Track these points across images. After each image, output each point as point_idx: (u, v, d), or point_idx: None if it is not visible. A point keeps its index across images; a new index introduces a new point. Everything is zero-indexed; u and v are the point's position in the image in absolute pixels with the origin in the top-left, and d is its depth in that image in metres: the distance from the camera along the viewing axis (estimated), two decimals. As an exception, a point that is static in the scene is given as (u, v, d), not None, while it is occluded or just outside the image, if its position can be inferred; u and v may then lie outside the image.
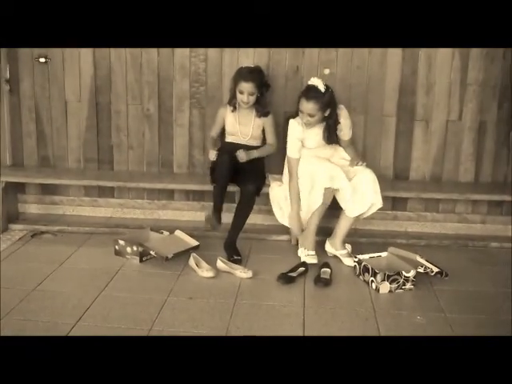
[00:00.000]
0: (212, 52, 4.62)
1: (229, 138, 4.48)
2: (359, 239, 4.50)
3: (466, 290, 3.77)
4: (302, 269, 3.93)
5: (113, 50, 4.67)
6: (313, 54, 4.56)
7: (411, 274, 3.72)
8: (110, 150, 4.87)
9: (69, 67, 4.73)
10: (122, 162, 4.88)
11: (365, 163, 4.20)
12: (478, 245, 4.54)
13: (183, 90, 4.71)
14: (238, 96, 4.30)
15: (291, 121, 4.17)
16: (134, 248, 4.06)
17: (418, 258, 3.88)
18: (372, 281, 3.74)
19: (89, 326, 3.20)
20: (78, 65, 4.72)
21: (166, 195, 4.92)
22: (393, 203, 4.77)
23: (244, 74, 4.26)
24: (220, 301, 3.54)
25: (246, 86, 4.25)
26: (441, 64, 4.54)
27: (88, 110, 4.80)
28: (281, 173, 4.43)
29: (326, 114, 4.06)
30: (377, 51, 4.54)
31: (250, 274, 3.86)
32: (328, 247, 4.25)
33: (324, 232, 4.29)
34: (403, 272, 3.70)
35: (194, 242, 4.22)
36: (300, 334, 3.19)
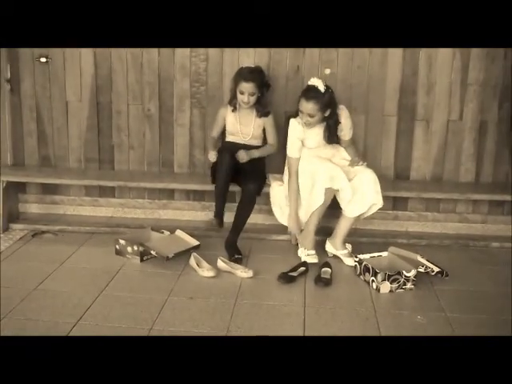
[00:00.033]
0: (212, 52, 4.62)
1: (229, 138, 4.49)
2: (360, 239, 4.50)
3: (467, 290, 3.77)
4: (302, 268, 3.93)
5: (114, 50, 4.67)
6: (313, 53, 4.56)
7: (412, 273, 3.72)
8: (111, 149, 4.87)
9: (70, 67, 4.74)
10: (122, 162, 4.88)
11: (365, 163, 4.20)
12: (478, 245, 4.54)
13: (184, 89, 4.71)
14: (239, 96, 4.30)
15: (292, 120, 4.17)
16: (135, 248, 4.06)
17: (419, 258, 3.88)
18: (372, 280, 3.74)
19: (89, 326, 3.20)
20: (78, 64, 4.72)
21: (166, 195, 4.92)
22: (393, 203, 4.77)
23: (244, 74, 4.26)
24: (221, 300, 3.54)
25: (247, 87, 4.25)
26: (441, 64, 4.54)
27: (89, 109, 4.80)
28: (281, 172, 4.43)
29: (326, 114, 4.06)
30: (377, 51, 4.54)
31: (250, 273, 3.86)
32: (328, 247, 4.25)
33: (324, 232, 4.29)
34: (404, 272, 3.71)
35: (194, 242, 4.22)
36: (300, 333, 3.19)
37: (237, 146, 4.38)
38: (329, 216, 4.27)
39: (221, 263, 3.95)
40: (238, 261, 4.09)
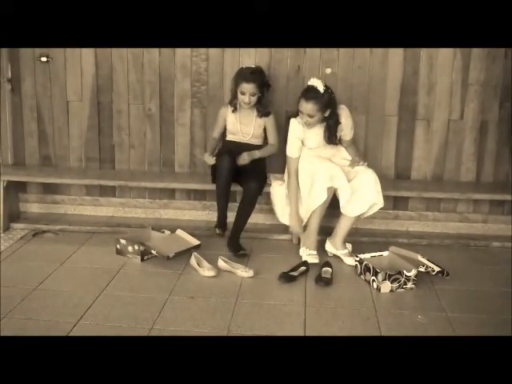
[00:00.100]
0: (213, 51, 4.62)
1: (230, 137, 4.48)
2: (360, 238, 4.50)
3: (468, 290, 3.77)
4: (303, 268, 3.93)
5: (114, 50, 4.67)
6: (314, 53, 4.56)
7: (412, 273, 3.72)
8: (112, 149, 4.87)
9: (70, 67, 4.74)
10: (123, 162, 4.88)
11: (366, 163, 4.20)
12: (479, 244, 4.54)
13: (184, 89, 4.71)
14: (240, 97, 4.30)
15: (292, 120, 4.17)
16: (136, 247, 4.06)
17: (420, 258, 3.88)
18: (373, 280, 3.74)
19: (90, 325, 3.20)
20: (79, 64, 4.72)
21: (167, 194, 4.92)
22: (394, 202, 4.77)
23: (245, 74, 4.26)
24: (221, 300, 3.54)
25: (248, 87, 4.25)
26: (442, 64, 4.54)
27: (89, 109, 4.80)
28: (282, 172, 4.43)
29: (326, 114, 4.06)
30: (378, 51, 4.54)
31: (251, 273, 3.86)
32: (328, 247, 4.24)
33: (325, 231, 4.29)
34: (404, 271, 3.71)
35: (195, 242, 4.22)
36: (301, 333, 3.19)
37: (237, 145, 4.39)
38: (329, 215, 4.27)
39: (221, 263, 3.96)
40: (244, 256, 4.14)
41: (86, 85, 4.76)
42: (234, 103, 4.39)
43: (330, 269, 3.91)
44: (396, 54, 4.53)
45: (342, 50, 4.54)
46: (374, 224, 4.72)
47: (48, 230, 4.60)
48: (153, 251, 4.00)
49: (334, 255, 4.21)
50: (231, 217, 4.38)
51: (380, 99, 4.63)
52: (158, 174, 4.81)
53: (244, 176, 4.25)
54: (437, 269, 3.80)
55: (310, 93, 3.99)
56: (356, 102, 4.60)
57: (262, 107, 4.40)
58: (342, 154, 4.27)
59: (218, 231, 4.43)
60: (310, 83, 4.04)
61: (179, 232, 4.32)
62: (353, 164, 4.19)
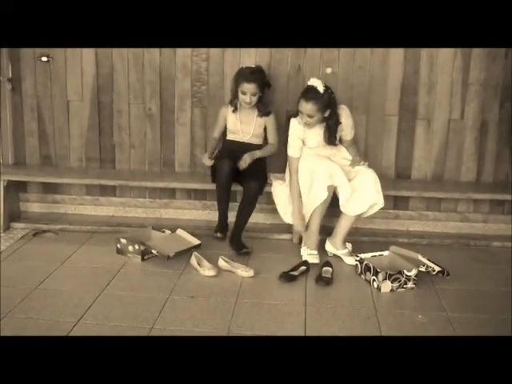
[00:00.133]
0: (214, 51, 4.62)
1: (230, 137, 4.49)
2: (361, 238, 4.50)
3: (468, 289, 3.77)
4: (303, 268, 3.93)
5: (115, 50, 4.67)
6: (315, 53, 4.56)
7: (413, 272, 3.72)
8: (112, 148, 4.88)
9: (71, 66, 4.74)
10: (123, 161, 4.88)
11: (366, 163, 4.20)
12: (479, 244, 4.54)
13: (185, 89, 4.71)
14: (241, 96, 4.29)
15: (292, 119, 4.17)
16: (136, 247, 4.07)
17: (420, 257, 3.88)
18: (373, 280, 3.74)
19: (90, 325, 3.20)
20: (80, 64, 4.72)
21: (167, 194, 4.92)
22: (394, 202, 4.77)
23: (246, 74, 4.25)
24: (221, 299, 3.54)
25: (249, 87, 4.25)
26: (443, 63, 4.54)
27: (90, 109, 4.80)
28: (283, 172, 4.43)
29: (326, 114, 4.05)
30: (379, 51, 4.54)
31: (251, 272, 3.86)
32: (328, 247, 4.24)
33: (325, 231, 4.29)
34: (405, 271, 3.70)
35: (195, 241, 4.22)
36: (301, 332, 3.19)
37: (237, 146, 4.39)
38: (329, 215, 4.27)
39: (222, 262, 3.96)
40: (246, 254, 4.16)
41: (86, 84, 4.76)
42: (234, 103, 4.39)
43: (330, 268, 3.91)
44: (396, 54, 4.53)
45: (342, 49, 4.54)
46: (374, 224, 4.72)
47: (48, 229, 4.60)
48: (153, 251, 4.00)
49: (334, 255, 4.21)
50: (231, 216, 4.39)
51: (380, 99, 4.63)
52: (159, 174, 4.81)
53: (244, 176, 4.26)
54: (437, 268, 3.80)
55: (309, 93, 3.99)
56: (356, 101, 4.60)
57: (263, 106, 4.41)
58: (343, 154, 4.27)
59: (219, 235, 4.41)
60: (309, 83, 4.04)
61: (179, 232, 4.32)
62: (353, 164, 4.19)
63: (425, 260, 3.85)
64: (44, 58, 4.70)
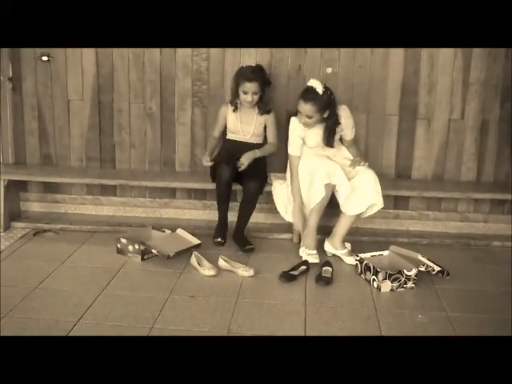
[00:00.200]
0: (214, 51, 4.62)
1: (230, 136, 4.48)
2: (361, 238, 4.51)
3: (468, 289, 3.77)
4: (303, 267, 3.93)
5: (115, 49, 4.67)
6: (315, 52, 4.56)
7: (413, 272, 3.72)
8: (113, 148, 4.88)
9: (71, 66, 4.74)
10: (124, 161, 4.88)
11: (367, 163, 4.20)
12: (479, 244, 4.54)
13: (185, 88, 4.71)
14: (242, 96, 4.29)
15: (292, 118, 4.17)
16: (136, 246, 4.07)
17: (420, 257, 3.88)
18: (373, 279, 3.74)
19: (90, 325, 3.20)
20: (80, 63, 4.73)
21: (167, 194, 4.92)
22: (395, 202, 4.77)
23: (247, 74, 4.25)
24: (221, 299, 3.54)
25: (250, 86, 4.24)
26: (443, 63, 4.54)
27: (90, 108, 4.80)
28: (283, 171, 4.43)
29: (325, 115, 4.05)
30: (379, 51, 4.54)
31: (251, 272, 3.86)
32: (327, 247, 4.24)
33: (324, 231, 4.29)
34: (405, 271, 3.71)
35: (195, 241, 4.22)
36: (301, 332, 3.19)
37: (237, 145, 4.40)
38: (329, 215, 4.28)
39: (222, 262, 3.96)
40: (251, 251, 4.20)
41: (86, 84, 4.76)
42: (234, 103, 4.39)
43: (330, 268, 3.91)
44: (397, 54, 4.53)
45: (342, 49, 4.54)
46: (374, 223, 4.72)
47: (49, 229, 4.60)
48: (153, 250, 4.00)
49: (334, 255, 4.21)
50: (231, 216, 4.40)
51: (381, 99, 4.63)
52: (159, 174, 4.81)
53: (244, 176, 4.26)
54: (437, 268, 3.80)
55: (308, 94, 3.99)
56: (357, 101, 4.60)
57: (263, 105, 4.40)
58: (343, 154, 4.27)
59: (219, 240, 4.35)
60: (309, 84, 4.04)
61: (180, 231, 4.32)
62: (353, 164, 4.19)
63: (425, 260, 3.85)
64: (44, 58, 4.70)
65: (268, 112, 4.41)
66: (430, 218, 4.79)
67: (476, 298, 3.65)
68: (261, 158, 4.39)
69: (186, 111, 4.75)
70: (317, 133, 4.14)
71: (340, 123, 4.14)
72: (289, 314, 3.39)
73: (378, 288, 3.69)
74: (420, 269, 3.74)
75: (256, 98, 4.30)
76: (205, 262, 3.96)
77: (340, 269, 4.02)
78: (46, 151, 4.92)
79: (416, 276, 3.73)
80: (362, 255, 3.94)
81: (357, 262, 3.95)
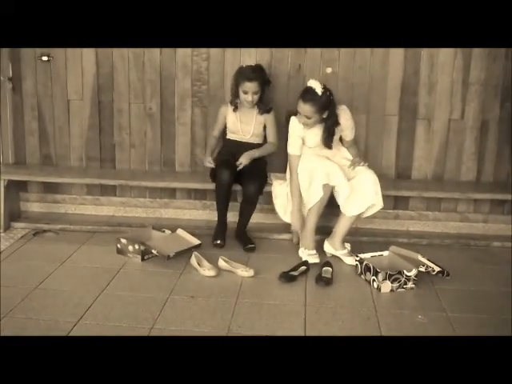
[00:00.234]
0: (214, 51, 4.62)
1: (230, 136, 4.48)
2: (361, 238, 4.50)
3: (468, 290, 3.77)
4: (303, 268, 3.93)
5: (115, 49, 4.67)
6: (315, 52, 4.56)
7: (413, 273, 3.72)
8: (112, 148, 4.88)
9: (71, 66, 4.74)
10: (124, 161, 4.88)
11: (366, 164, 4.20)
12: (479, 244, 4.54)
13: (185, 88, 4.71)
14: (242, 96, 4.29)
15: (292, 118, 4.17)
16: (136, 247, 4.07)
17: (420, 257, 3.88)
18: (373, 280, 3.74)
19: (90, 325, 3.20)
20: (80, 63, 4.72)
21: (167, 194, 4.92)
22: (395, 202, 4.77)
23: (247, 73, 4.24)
24: (221, 299, 3.54)
25: (251, 86, 4.24)
26: (443, 63, 4.54)
27: (90, 108, 4.80)
28: (283, 171, 4.43)
29: (324, 115, 4.05)
30: (379, 51, 4.54)
31: (251, 272, 3.86)
32: (327, 247, 4.23)
33: (323, 231, 4.29)
34: (405, 271, 3.70)
35: (195, 241, 4.22)
36: (301, 333, 3.19)
37: (237, 145, 4.40)
38: (328, 215, 4.28)
39: (222, 262, 3.96)
40: (252, 250, 4.22)
41: (86, 84, 4.76)
42: (234, 103, 4.39)
43: (330, 268, 3.91)
44: (397, 54, 4.53)
45: (342, 49, 4.54)
46: (374, 224, 4.72)
47: (49, 229, 4.60)
48: (153, 251, 4.00)
49: (333, 255, 4.21)
50: (230, 216, 4.41)
51: (381, 99, 4.63)
52: (159, 174, 4.81)
53: (244, 177, 4.26)
54: (437, 269, 3.80)
55: (307, 94, 3.99)
56: (357, 101, 4.60)
57: (263, 104, 4.40)
58: (343, 154, 4.27)
59: (219, 242, 4.33)
60: (308, 84, 4.04)
61: (180, 231, 4.32)
62: (353, 164, 4.19)
63: (425, 260, 3.85)
64: (44, 58, 4.70)
65: (268, 111, 4.41)
66: (429, 218, 4.79)
67: (476, 298, 3.65)
68: (260, 157, 4.40)
69: (185, 111, 4.75)
70: (316, 133, 4.14)
71: (339, 124, 4.14)
72: (289, 315, 3.39)
73: (378, 288, 3.69)
74: (420, 269, 3.74)
75: (256, 97, 4.30)
76: (205, 263, 3.96)
77: (340, 269, 4.01)
78: (45, 151, 4.92)
79: (416, 276, 3.73)
80: (362, 256, 3.94)
81: (357, 263, 3.95)
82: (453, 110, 4.62)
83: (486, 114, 4.61)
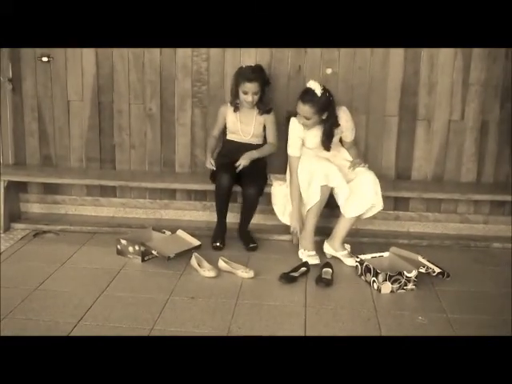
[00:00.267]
0: (214, 51, 4.62)
1: (230, 136, 4.48)
2: (361, 239, 4.50)
3: (468, 291, 3.77)
4: (303, 269, 3.92)
5: (115, 50, 4.67)
6: (315, 53, 4.56)
7: (413, 274, 3.72)
8: (112, 149, 4.87)
9: (71, 66, 4.74)
10: (124, 162, 4.88)
11: (367, 165, 4.19)
12: (479, 245, 4.54)
13: (185, 89, 4.71)
14: (242, 96, 4.29)
15: (292, 119, 4.17)
16: (136, 247, 4.06)
17: (420, 259, 3.88)
18: (374, 281, 3.74)
19: (90, 326, 3.20)
20: (80, 64, 4.72)
21: (167, 195, 4.92)
22: (395, 203, 4.76)
23: (247, 74, 4.24)
24: (222, 300, 3.54)
25: (251, 87, 4.24)
26: (443, 64, 4.54)
27: (90, 109, 4.80)
28: (283, 172, 4.43)
29: (324, 117, 4.05)
30: (379, 51, 4.53)
31: (251, 273, 3.86)
32: (327, 248, 4.23)
33: (323, 232, 4.29)
34: (405, 272, 3.70)
35: (195, 242, 4.22)
36: (301, 333, 3.19)
37: (237, 146, 4.40)
38: (328, 216, 4.28)
39: (222, 263, 3.95)
40: (254, 250, 4.26)
41: (86, 84, 4.76)
42: (234, 103, 4.39)
43: (330, 269, 3.91)
44: (397, 54, 4.53)
45: (342, 50, 4.53)
46: (374, 225, 4.71)
47: (49, 230, 4.60)
48: (153, 252, 4.00)
49: (333, 257, 4.20)
50: (230, 217, 4.42)
51: (380, 99, 4.62)
52: (159, 175, 4.81)
53: (244, 179, 4.26)
54: (437, 270, 3.79)
55: (306, 95, 3.99)
56: (356, 102, 4.60)
57: (263, 105, 4.40)
58: (343, 155, 4.27)
59: (218, 244, 4.32)
60: (308, 85, 4.03)
61: (180, 232, 4.32)
62: (353, 165, 4.18)
63: (425, 261, 3.85)
64: (44, 59, 4.70)
65: (268, 112, 4.41)
66: (430, 219, 4.79)
67: (476, 299, 3.65)
68: (260, 158, 4.39)
69: (185, 112, 4.75)
70: (316, 134, 4.14)
71: (339, 125, 4.14)
72: (289, 316, 3.39)
73: (379, 289, 3.69)
74: (420, 270, 3.74)
75: (256, 98, 4.30)
76: (205, 264, 3.96)
77: (340, 270, 4.01)
78: (45, 152, 4.91)
79: (416, 277, 3.73)
80: (362, 257, 3.94)
81: (357, 264, 3.95)
82: (453, 111, 4.62)
83: (486, 115, 4.61)
